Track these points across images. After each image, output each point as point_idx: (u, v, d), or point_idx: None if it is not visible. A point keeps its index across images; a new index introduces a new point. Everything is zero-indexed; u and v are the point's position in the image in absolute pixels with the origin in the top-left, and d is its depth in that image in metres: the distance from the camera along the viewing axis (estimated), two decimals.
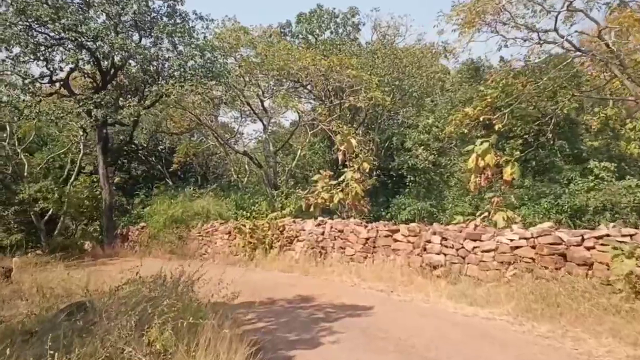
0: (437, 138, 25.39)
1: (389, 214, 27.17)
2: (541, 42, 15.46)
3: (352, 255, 12.96)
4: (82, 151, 30.22)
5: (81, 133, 26.31)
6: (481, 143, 11.93)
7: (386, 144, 29.28)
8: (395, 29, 30.99)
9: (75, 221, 30.64)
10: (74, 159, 30.65)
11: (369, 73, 25.88)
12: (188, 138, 38.08)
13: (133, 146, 29.14)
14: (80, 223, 30.82)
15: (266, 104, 30.54)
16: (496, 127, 13.89)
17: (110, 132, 32.15)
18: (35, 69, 25.57)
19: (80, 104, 19.91)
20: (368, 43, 31.60)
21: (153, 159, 40.07)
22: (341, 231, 13.56)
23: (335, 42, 29.60)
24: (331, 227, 13.94)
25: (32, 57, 21.75)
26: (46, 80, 22.94)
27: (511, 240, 10.18)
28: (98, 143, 23.50)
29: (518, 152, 11.82)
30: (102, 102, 19.82)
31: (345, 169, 15.90)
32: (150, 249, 19.99)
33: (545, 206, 17.32)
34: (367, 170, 15.78)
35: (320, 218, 14.74)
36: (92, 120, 19.92)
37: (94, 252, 22.87)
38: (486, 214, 11.97)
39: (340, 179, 15.83)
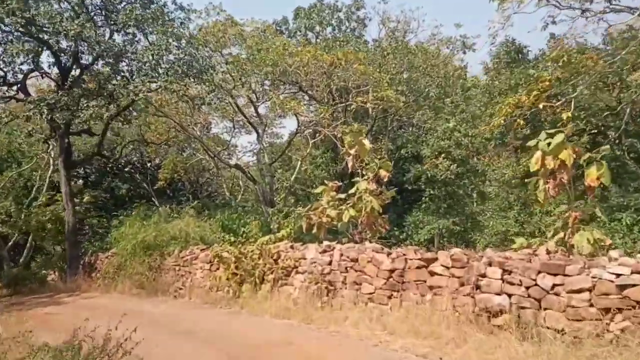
0: (459, 144, 22.13)
1: (403, 234, 23.81)
2: (609, 9, 12.29)
3: (371, 294, 9.59)
4: (51, 167, 27.07)
5: (48, 146, 23.07)
6: (548, 136, 8.67)
7: (397, 154, 26.01)
8: (406, 23, 28.05)
9: (59, 247, 27.26)
10: (42, 175, 27.49)
11: (378, 71, 22.77)
12: (176, 152, 34.94)
13: (103, 159, 25.69)
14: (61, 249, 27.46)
15: (261, 110, 27.49)
16: (564, 117, 10.63)
17: (87, 145, 29.14)
18: None
19: (32, 106, 16.73)
20: (375, 40, 28.58)
21: (138, 175, 37.12)
22: (355, 260, 10.21)
23: (339, 39, 26.61)
24: (341, 255, 10.60)
25: None
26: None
27: (617, 275, 6.86)
28: (60, 155, 20.28)
29: (608, 147, 8.46)
30: (57, 105, 16.62)
31: (358, 179, 12.58)
32: (117, 282, 16.62)
33: (627, 222, 13.88)
34: (385, 180, 12.50)
35: (326, 242, 11.40)
36: (42, 124, 16.75)
37: (55, 286, 19.50)
38: (561, 234, 8.63)
39: (351, 191, 12.50)
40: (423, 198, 24.08)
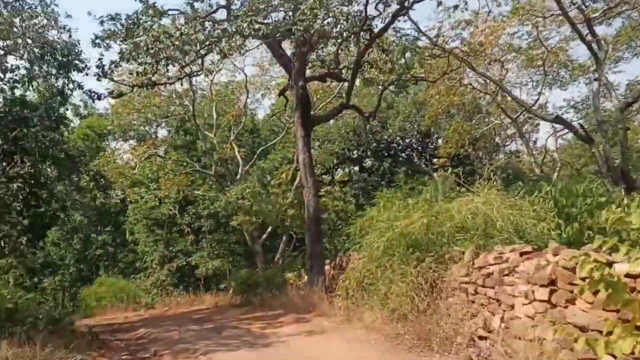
0: None
1: None
2: None
3: None
4: None
5: (286, 101, 17.92)
6: None
7: None
8: None
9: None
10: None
11: None
12: (462, 119, 28.03)
13: (356, 111, 19.47)
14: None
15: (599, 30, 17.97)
16: None
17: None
18: None
19: (239, 20, 11.37)
20: None
21: (415, 155, 32.07)
22: None
23: None
24: None
25: None
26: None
27: None
28: (295, 108, 14.89)
29: None
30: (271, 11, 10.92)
31: None
32: (362, 305, 10.01)
33: None
34: None
35: None
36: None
37: (289, 299, 14.02)
38: None
39: None
40: None
